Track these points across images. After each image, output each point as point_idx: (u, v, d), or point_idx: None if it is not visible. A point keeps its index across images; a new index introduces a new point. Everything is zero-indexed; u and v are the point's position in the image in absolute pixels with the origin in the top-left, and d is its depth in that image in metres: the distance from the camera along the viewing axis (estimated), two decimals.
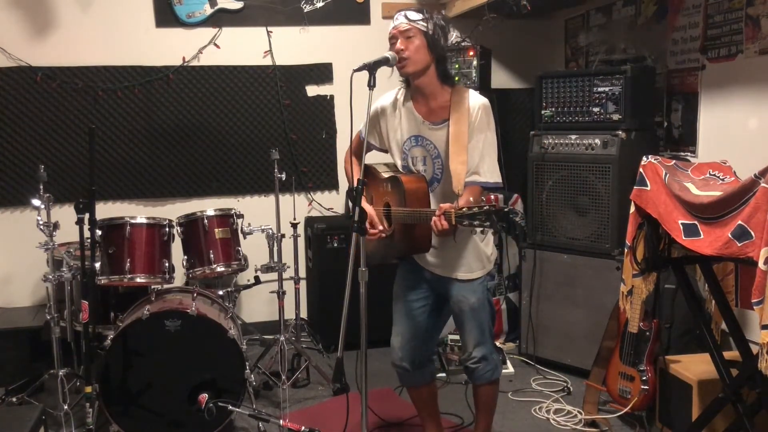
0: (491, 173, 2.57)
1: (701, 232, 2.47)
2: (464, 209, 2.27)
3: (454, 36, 2.60)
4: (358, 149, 2.72)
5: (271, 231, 3.68)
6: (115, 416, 3.06)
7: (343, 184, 4.79)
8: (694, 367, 2.98)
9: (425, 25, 2.52)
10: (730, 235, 2.31)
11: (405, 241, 2.61)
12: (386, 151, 2.81)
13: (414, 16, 2.53)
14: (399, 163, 2.72)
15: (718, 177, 2.80)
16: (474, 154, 2.53)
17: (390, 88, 2.76)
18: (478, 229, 2.26)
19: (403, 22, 2.53)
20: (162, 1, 4.38)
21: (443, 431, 3.02)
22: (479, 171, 2.55)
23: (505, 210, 2.19)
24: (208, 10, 4.45)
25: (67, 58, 4.27)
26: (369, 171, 2.80)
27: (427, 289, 2.79)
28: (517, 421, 3.39)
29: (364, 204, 2.61)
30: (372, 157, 2.81)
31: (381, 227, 2.60)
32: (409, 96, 2.67)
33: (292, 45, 4.61)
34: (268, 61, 4.59)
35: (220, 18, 4.48)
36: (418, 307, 2.80)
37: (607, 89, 3.68)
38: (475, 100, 2.57)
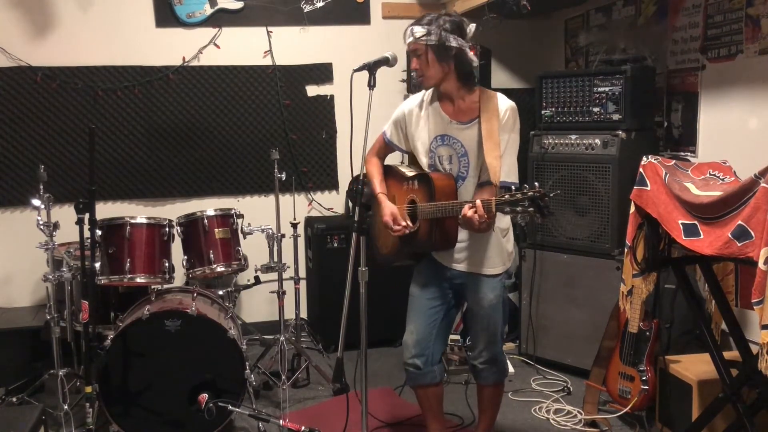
0: (508, 174, 2.59)
1: (701, 232, 2.47)
2: (505, 196, 2.27)
3: (471, 28, 2.58)
4: (380, 151, 2.83)
5: (271, 231, 3.68)
6: (115, 416, 3.06)
7: (343, 184, 4.79)
8: (694, 367, 2.98)
9: (428, 37, 2.52)
10: (730, 235, 2.32)
11: (431, 238, 2.61)
12: (408, 153, 2.84)
13: (418, 32, 2.53)
14: (425, 162, 2.73)
15: (718, 177, 2.81)
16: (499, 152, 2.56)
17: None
18: (519, 216, 2.26)
19: (410, 41, 2.56)
20: (162, 1, 4.38)
21: None
22: (501, 171, 2.56)
23: (551, 195, 2.19)
24: (208, 10, 4.45)
25: (67, 58, 4.27)
26: (391, 171, 2.84)
27: (445, 288, 2.79)
28: (517, 421, 3.40)
29: (387, 203, 2.67)
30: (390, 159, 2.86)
31: (404, 223, 2.61)
32: (436, 96, 2.70)
33: (292, 45, 4.62)
34: (268, 61, 4.59)
35: (220, 18, 4.48)
36: (435, 305, 2.80)
37: (607, 89, 3.68)
38: (505, 102, 2.62)
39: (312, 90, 4.69)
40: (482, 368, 2.80)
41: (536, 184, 2.23)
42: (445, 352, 3.92)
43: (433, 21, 2.54)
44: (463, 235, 2.66)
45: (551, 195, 2.19)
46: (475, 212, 2.33)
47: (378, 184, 2.77)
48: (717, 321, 2.93)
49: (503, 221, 2.69)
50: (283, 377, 3.57)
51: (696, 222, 2.50)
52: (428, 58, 2.53)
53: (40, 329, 3.76)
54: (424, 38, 2.52)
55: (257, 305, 4.66)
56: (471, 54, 2.58)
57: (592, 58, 4.44)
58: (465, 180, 2.64)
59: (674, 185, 2.64)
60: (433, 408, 2.93)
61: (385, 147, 2.86)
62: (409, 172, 2.75)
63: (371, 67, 2.51)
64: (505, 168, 2.57)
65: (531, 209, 2.19)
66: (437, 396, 2.92)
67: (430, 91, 2.72)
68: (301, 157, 4.71)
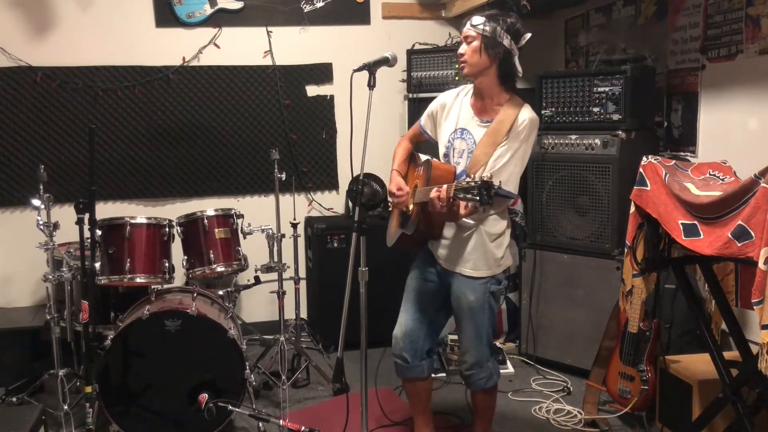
0: (507, 182, 2.58)
1: (701, 232, 2.47)
2: (463, 182, 2.33)
3: (525, 37, 2.64)
4: (413, 137, 2.94)
5: (271, 231, 3.68)
6: (115, 416, 3.06)
7: (343, 184, 4.79)
8: (694, 367, 2.98)
9: (483, 28, 2.58)
10: (730, 235, 2.31)
11: (418, 222, 2.65)
12: (436, 143, 2.89)
13: (476, 20, 2.61)
14: (441, 152, 2.79)
15: (718, 177, 2.80)
16: (502, 157, 2.58)
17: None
18: (470, 204, 2.35)
19: (466, 28, 2.64)
20: (162, 1, 4.37)
21: (433, 429, 3.01)
22: (498, 176, 2.55)
23: (495, 187, 2.26)
24: (208, 10, 4.45)
25: (67, 58, 4.27)
26: (413, 157, 2.93)
27: (436, 282, 2.81)
28: (517, 421, 3.40)
29: (396, 177, 2.79)
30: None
31: (407, 189, 2.71)
32: (471, 91, 2.76)
33: (292, 45, 4.62)
34: (268, 61, 4.59)
35: (220, 18, 4.48)
36: (427, 300, 2.82)
37: (607, 89, 3.68)
38: (527, 112, 2.64)
39: (312, 90, 4.69)
40: (468, 374, 2.81)
41: (488, 176, 2.29)
42: (444, 351, 3.96)
43: (494, 16, 2.60)
44: (449, 232, 2.70)
45: (496, 187, 2.26)
46: (438, 195, 2.41)
47: (397, 163, 2.87)
48: (717, 321, 2.93)
49: (495, 226, 2.69)
50: (283, 377, 3.57)
51: (696, 222, 2.50)
52: (476, 46, 2.58)
53: (40, 329, 3.76)
54: (480, 26, 2.58)
55: (257, 305, 4.66)
56: (517, 61, 2.63)
57: (592, 58, 4.44)
58: (467, 176, 2.65)
59: (674, 185, 2.64)
60: (421, 402, 2.94)
61: (419, 134, 2.92)
62: (422, 158, 2.82)
63: (371, 67, 2.53)
64: (504, 175, 2.57)
65: (477, 198, 2.26)
66: (425, 391, 2.93)
67: (469, 86, 2.77)
68: (301, 157, 4.71)
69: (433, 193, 2.43)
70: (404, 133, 3.14)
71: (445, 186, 2.41)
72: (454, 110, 2.76)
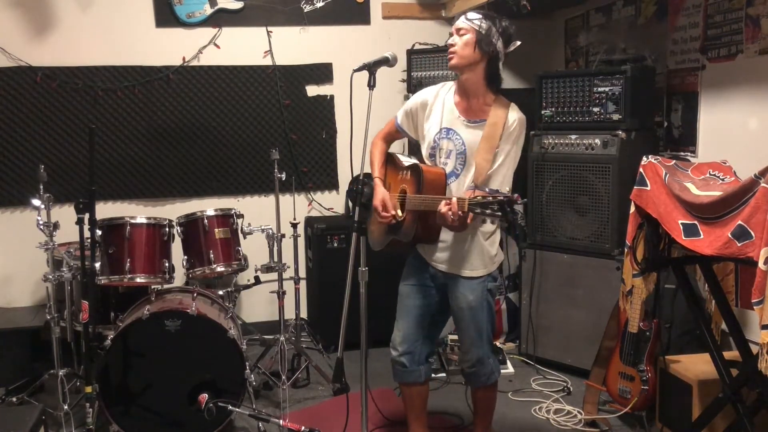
0: (502, 184, 2.60)
1: (701, 232, 2.47)
2: (478, 197, 2.30)
3: (514, 44, 2.65)
4: (388, 135, 2.89)
5: (271, 231, 3.68)
6: (115, 416, 3.06)
7: (343, 184, 4.79)
8: (694, 367, 2.98)
9: (479, 24, 2.58)
10: (730, 235, 2.32)
11: (414, 229, 2.63)
12: (416, 141, 2.86)
13: (472, 15, 2.62)
14: (425, 152, 2.76)
15: (718, 177, 2.81)
16: (496, 160, 2.59)
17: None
18: (489, 219, 2.31)
19: (460, 21, 2.63)
20: (162, 1, 4.38)
21: None
22: (494, 179, 2.60)
23: (518, 203, 2.23)
24: (208, 10, 4.45)
25: (67, 58, 4.27)
26: (391, 158, 2.89)
27: (432, 287, 2.81)
28: (517, 421, 3.39)
29: (380, 189, 2.73)
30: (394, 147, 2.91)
31: (393, 212, 2.67)
32: (453, 90, 2.74)
33: (292, 45, 4.62)
34: (268, 61, 4.59)
35: (220, 18, 4.48)
36: (422, 306, 2.82)
37: (607, 89, 3.68)
38: (516, 113, 2.64)
39: (312, 90, 4.69)
40: (469, 372, 2.82)
41: (513, 194, 2.27)
42: (444, 351, 3.96)
43: (491, 16, 2.61)
44: (445, 235, 2.69)
45: (519, 202, 2.22)
46: (450, 209, 2.37)
47: (377, 168, 2.84)
48: (717, 321, 2.93)
49: (488, 224, 2.69)
50: (283, 377, 3.57)
51: (696, 222, 2.50)
52: (469, 39, 2.58)
53: (40, 329, 3.77)
54: (476, 21, 2.58)
55: (257, 305, 4.66)
56: (501, 67, 2.64)
57: (592, 58, 4.44)
58: (458, 178, 2.66)
59: (674, 185, 2.64)
60: (416, 407, 2.94)
61: (395, 132, 2.90)
62: (406, 162, 2.79)
63: (371, 67, 2.53)
64: (499, 178, 2.59)
65: (499, 213, 2.23)
66: (421, 395, 2.94)
67: (449, 84, 2.76)
68: (301, 157, 4.71)
69: (444, 208, 2.40)
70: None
71: (455, 199, 2.37)
72: (436, 109, 2.74)
